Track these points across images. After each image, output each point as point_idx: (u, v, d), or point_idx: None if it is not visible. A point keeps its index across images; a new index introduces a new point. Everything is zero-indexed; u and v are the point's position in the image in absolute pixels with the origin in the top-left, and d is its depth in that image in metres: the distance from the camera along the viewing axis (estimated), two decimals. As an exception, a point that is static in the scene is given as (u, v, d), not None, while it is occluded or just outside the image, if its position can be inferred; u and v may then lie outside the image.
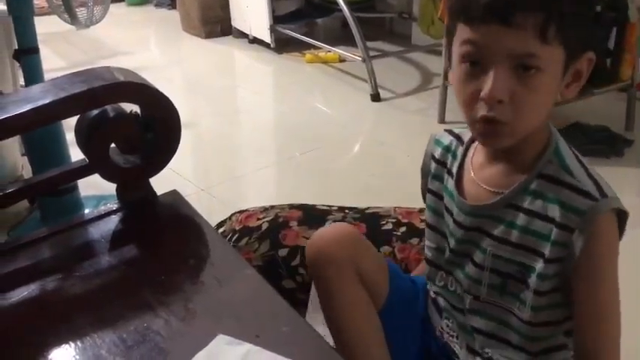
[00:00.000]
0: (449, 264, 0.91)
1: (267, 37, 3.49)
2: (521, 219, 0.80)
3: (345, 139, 2.45)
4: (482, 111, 0.75)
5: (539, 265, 0.79)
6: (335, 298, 0.91)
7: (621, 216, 0.79)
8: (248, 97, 3.06)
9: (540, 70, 0.72)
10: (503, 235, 0.82)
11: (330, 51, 3.23)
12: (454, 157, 0.91)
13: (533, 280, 0.80)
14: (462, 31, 0.76)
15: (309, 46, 3.36)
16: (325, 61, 3.28)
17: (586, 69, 0.79)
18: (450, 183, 0.90)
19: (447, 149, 0.93)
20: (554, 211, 0.78)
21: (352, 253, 0.92)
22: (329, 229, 1.00)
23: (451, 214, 0.89)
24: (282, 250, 1.43)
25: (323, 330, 0.91)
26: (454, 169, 0.90)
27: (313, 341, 0.74)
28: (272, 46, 3.49)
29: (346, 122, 2.62)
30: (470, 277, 0.87)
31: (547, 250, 0.78)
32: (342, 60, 3.20)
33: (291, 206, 1.57)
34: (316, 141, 2.37)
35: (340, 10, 3.06)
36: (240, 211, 1.58)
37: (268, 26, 3.44)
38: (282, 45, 3.50)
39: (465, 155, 0.89)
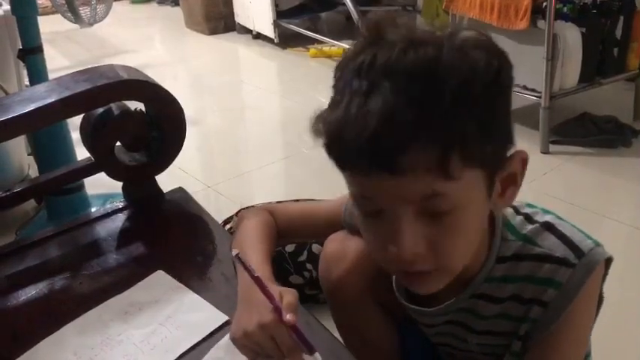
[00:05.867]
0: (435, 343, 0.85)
1: (270, 32, 3.48)
2: (493, 308, 0.72)
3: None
4: (398, 265, 0.62)
5: (515, 344, 0.73)
6: (350, 317, 0.87)
7: (606, 262, 0.69)
8: (253, 93, 3.06)
9: (454, 208, 0.58)
10: (480, 327, 0.75)
11: (334, 45, 3.22)
12: None
13: (507, 358, 0.75)
14: (347, 179, 0.61)
15: (314, 41, 3.35)
16: (330, 56, 3.27)
17: (521, 169, 0.64)
18: (394, 282, 0.79)
19: None
20: (527, 290, 0.69)
21: (370, 281, 0.83)
22: (349, 256, 0.83)
23: (414, 314, 0.80)
24: (288, 246, 1.43)
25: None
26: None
27: (322, 336, 0.74)
28: (276, 41, 3.48)
29: (351, 116, 2.60)
30: (461, 355, 0.82)
31: (522, 329, 0.71)
32: (346, 54, 3.19)
33: (298, 202, 1.57)
34: (322, 136, 2.37)
35: (344, 4, 3.05)
36: (247, 208, 1.58)
37: (272, 21, 3.43)
38: (286, 40, 3.49)
39: None
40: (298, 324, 0.65)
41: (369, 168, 0.56)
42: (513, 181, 0.64)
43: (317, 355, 0.65)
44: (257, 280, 0.68)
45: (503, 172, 0.62)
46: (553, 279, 0.67)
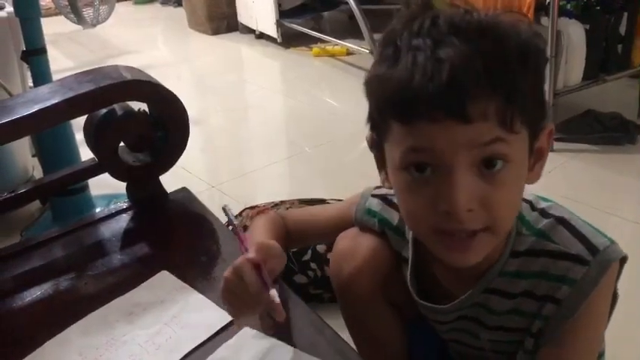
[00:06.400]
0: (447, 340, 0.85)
1: (273, 31, 3.48)
2: (505, 303, 0.72)
3: (355, 132, 2.42)
4: (446, 224, 0.61)
5: (527, 341, 0.73)
6: (360, 315, 0.87)
7: (621, 260, 0.69)
8: (256, 93, 3.05)
9: (507, 161, 0.60)
10: (492, 322, 0.75)
11: (337, 44, 3.21)
12: (402, 236, 0.79)
13: (519, 354, 0.75)
14: (401, 134, 0.60)
15: (316, 40, 3.35)
16: (333, 55, 3.27)
17: (547, 144, 0.66)
18: (408, 278, 0.79)
19: (394, 229, 0.81)
20: (540, 287, 0.70)
21: (381, 279, 0.83)
22: (361, 252, 0.82)
23: (427, 311, 0.80)
24: (293, 245, 1.43)
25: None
26: (410, 260, 0.79)
27: (327, 335, 0.73)
28: (279, 40, 3.48)
29: (355, 115, 2.58)
30: (472, 353, 0.82)
31: (535, 326, 0.72)
32: (349, 53, 3.18)
33: (301, 201, 1.57)
34: (325, 135, 2.36)
35: (346, 3, 3.04)
36: (251, 207, 1.58)
37: (275, 21, 3.43)
38: (289, 39, 3.49)
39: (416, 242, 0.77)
40: (265, 268, 0.68)
41: (439, 114, 0.56)
42: (541, 156, 0.66)
43: (273, 292, 0.66)
44: (235, 230, 0.72)
45: (537, 142, 0.65)
46: (567, 276, 0.67)
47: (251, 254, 0.68)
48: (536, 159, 0.66)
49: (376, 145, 0.68)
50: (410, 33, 0.60)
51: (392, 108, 0.60)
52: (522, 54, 0.59)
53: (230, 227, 0.87)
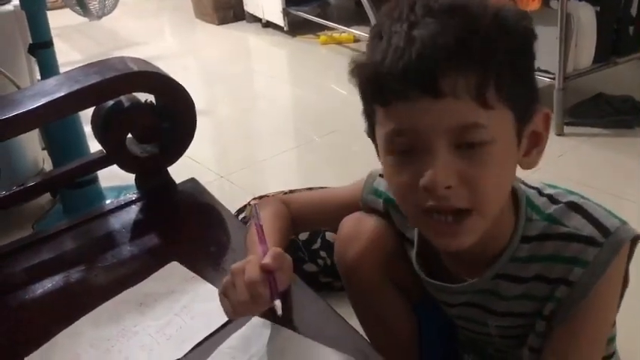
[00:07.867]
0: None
1: (280, 20, 3.46)
2: (515, 288, 0.72)
3: (363, 120, 2.41)
4: (427, 201, 0.61)
5: (539, 324, 0.73)
6: (367, 298, 0.87)
7: (633, 240, 0.68)
8: (264, 82, 3.05)
9: (488, 142, 0.60)
10: (500, 308, 0.74)
11: (344, 31, 3.19)
12: (405, 217, 0.78)
13: (531, 337, 0.74)
14: (383, 116, 0.63)
15: (323, 28, 3.32)
16: (340, 42, 3.25)
17: (544, 128, 0.66)
18: (414, 258, 0.79)
19: (398, 209, 0.79)
20: (552, 270, 0.69)
21: (387, 259, 0.83)
22: (365, 233, 0.83)
23: (434, 290, 0.79)
24: (302, 235, 1.43)
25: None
26: (415, 240, 0.79)
27: (337, 323, 0.73)
28: (285, 29, 3.46)
29: (363, 103, 2.58)
30: (479, 338, 0.82)
31: (547, 308, 0.71)
32: (357, 40, 3.16)
33: (311, 190, 1.56)
34: (334, 124, 2.35)
35: (353, -10, 3.02)
36: (260, 197, 1.58)
37: (281, 9, 3.41)
38: (296, 27, 3.47)
39: None
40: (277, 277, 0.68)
41: (412, 91, 0.58)
42: (538, 141, 0.66)
43: (277, 302, 0.66)
44: (259, 228, 0.73)
45: (529, 125, 0.64)
46: (579, 258, 0.67)
47: (267, 259, 0.68)
48: (532, 144, 0.66)
49: (371, 133, 0.69)
50: (390, 21, 0.61)
51: (370, 90, 0.63)
52: (499, 28, 0.60)
53: (247, 223, 0.87)
